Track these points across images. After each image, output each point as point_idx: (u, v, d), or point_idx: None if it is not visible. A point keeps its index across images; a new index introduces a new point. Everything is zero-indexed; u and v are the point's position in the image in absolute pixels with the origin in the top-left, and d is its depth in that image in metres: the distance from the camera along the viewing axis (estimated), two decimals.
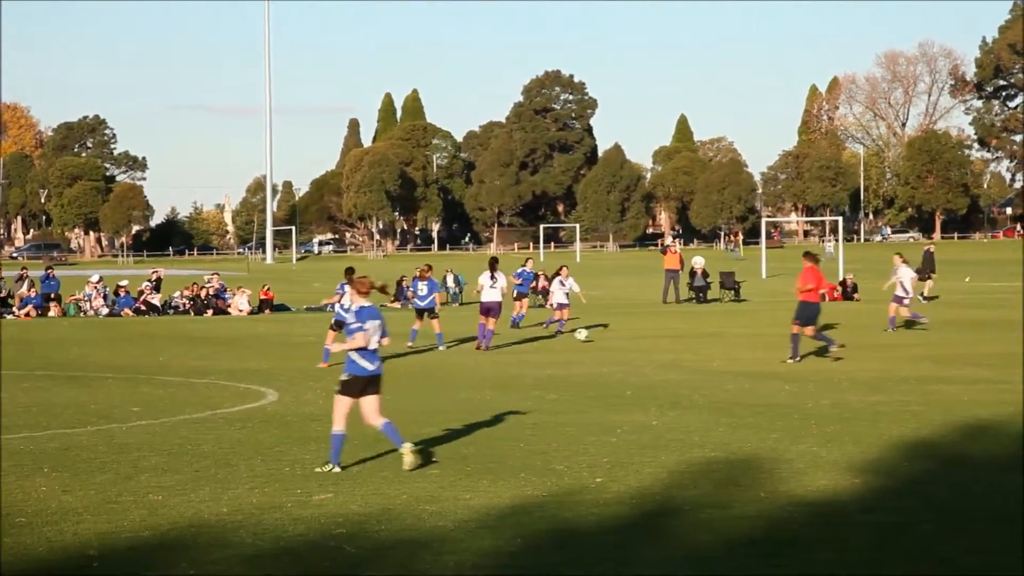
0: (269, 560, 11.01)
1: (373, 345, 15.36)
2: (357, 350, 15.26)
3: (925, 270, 55.18)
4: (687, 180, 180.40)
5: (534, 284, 54.61)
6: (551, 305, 41.26)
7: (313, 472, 15.03)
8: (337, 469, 15.10)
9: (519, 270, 44.39)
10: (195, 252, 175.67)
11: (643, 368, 27.51)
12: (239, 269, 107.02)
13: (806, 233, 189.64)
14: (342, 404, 15.34)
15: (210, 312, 51.99)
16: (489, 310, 32.73)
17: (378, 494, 13.65)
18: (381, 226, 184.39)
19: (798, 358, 28.48)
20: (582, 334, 34.33)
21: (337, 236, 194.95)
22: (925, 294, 53.23)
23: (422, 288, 33.60)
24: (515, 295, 42.75)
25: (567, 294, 38.20)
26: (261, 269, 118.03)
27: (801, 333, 28.84)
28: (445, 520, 12.38)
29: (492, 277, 33.09)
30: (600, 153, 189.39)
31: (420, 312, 33.65)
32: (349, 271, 27.59)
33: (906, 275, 38.37)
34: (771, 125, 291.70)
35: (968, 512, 12.55)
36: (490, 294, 32.88)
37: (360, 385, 15.32)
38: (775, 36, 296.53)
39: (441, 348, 32.75)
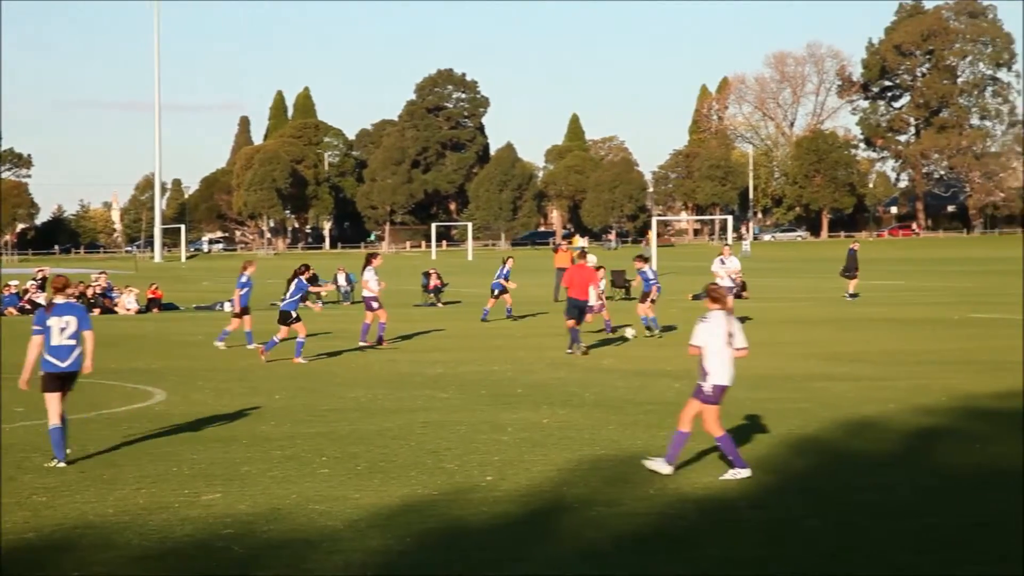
0: (155, 561, 10.89)
1: (60, 342, 15.51)
2: (48, 348, 15.52)
3: (850, 268, 55.73)
4: (579, 179, 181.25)
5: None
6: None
7: (202, 472, 14.88)
8: (62, 464, 15.23)
9: (503, 270, 45.35)
10: (82, 250, 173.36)
11: (534, 366, 27.55)
12: (127, 268, 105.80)
13: (696, 232, 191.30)
14: (49, 400, 15.58)
15: (97, 311, 51.25)
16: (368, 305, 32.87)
17: (267, 494, 13.55)
18: (272, 224, 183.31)
19: (578, 350, 29.87)
20: (629, 332, 34.22)
21: (227, 234, 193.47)
22: (850, 291, 53.73)
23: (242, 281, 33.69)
24: (495, 293, 43.89)
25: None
26: (149, 268, 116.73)
27: (576, 327, 30.51)
28: (334, 519, 12.32)
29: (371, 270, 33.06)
30: (492, 152, 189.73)
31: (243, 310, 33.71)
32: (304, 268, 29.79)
33: (734, 266, 39.22)
34: (662, 125, 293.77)
35: (854, 508, 12.71)
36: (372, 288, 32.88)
37: (56, 381, 15.58)
38: (666, 36, 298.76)
39: (219, 344, 33.03)
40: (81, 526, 12.16)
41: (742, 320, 38.01)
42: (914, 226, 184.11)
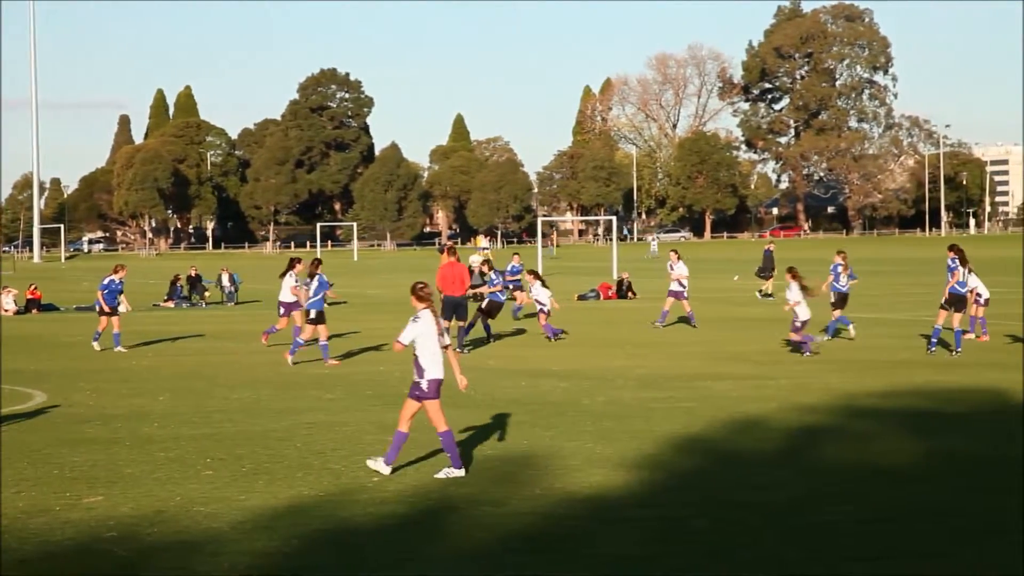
0: (36, 564, 10.73)
1: None
2: None
3: (766, 268, 56.18)
4: (464, 179, 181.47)
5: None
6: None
7: (84, 474, 14.67)
8: None
9: (509, 266, 46.32)
10: None
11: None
12: (5, 268, 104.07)
13: (581, 232, 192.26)
14: None
15: None
16: (287, 308, 32.30)
17: (150, 496, 13.40)
18: (154, 224, 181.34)
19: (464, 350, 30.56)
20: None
21: (108, 234, 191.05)
22: (767, 291, 54.09)
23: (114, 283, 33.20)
24: (511, 288, 44.03)
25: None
26: (28, 268, 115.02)
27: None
28: (220, 521, 12.21)
29: (288, 275, 32.43)
30: (377, 152, 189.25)
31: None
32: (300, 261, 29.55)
33: (682, 271, 39.05)
34: (546, 125, 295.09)
35: (739, 506, 12.83)
36: (285, 294, 32.32)
37: None
38: (550, 37, 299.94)
39: (95, 345, 32.67)
40: None
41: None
42: (806, 228, 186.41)
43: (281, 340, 32.90)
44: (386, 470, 14.68)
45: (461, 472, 14.55)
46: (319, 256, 32.37)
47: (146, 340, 35.68)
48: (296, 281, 31.16)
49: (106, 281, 33.03)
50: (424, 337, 14.76)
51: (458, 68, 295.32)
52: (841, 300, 32.80)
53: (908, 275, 75.73)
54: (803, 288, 29.06)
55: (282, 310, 31.62)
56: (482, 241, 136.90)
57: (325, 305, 29.56)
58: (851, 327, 32.85)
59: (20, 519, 12.35)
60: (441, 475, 14.50)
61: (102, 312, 33.16)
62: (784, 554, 10.95)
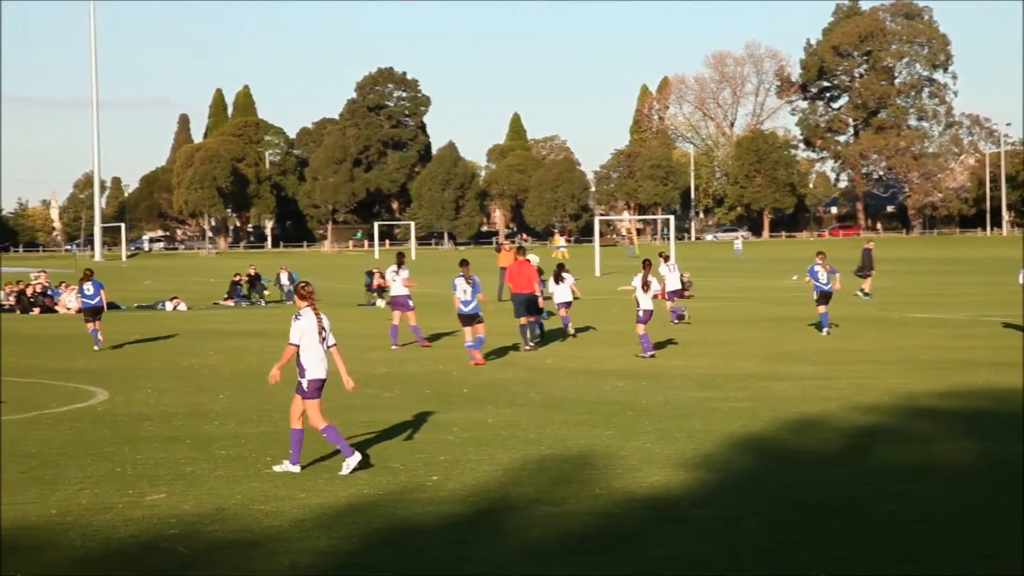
0: (99, 562, 10.83)
1: None
2: None
3: (864, 267, 55.61)
4: (521, 178, 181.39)
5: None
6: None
7: (146, 472, 14.80)
8: None
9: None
10: (20, 249, 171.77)
11: (479, 367, 27.54)
12: (67, 266, 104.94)
13: (639, 231, 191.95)
14: None
15: (37, 310, 50.91)
16: (395, 304, 32.45)
17: (212, 494, 13.50)
18: (213, 223, 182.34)
19: (529, 344, 31.15)
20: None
21: (168, 233, 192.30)
22: (866, 291, 53.62)
23: (88, 288, 34.03)
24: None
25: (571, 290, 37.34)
26: (90, 266, 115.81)
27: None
28: (280, 519, 12.28)
29: (396, 271, 32.66)
30: (434, 151, 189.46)
31: (91, 312, 33.97)
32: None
33: (669, 272, 40.76)
34: (603, 124, 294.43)
35: (796, 506, 12.79)
36: (395, 288, 32.57)
37: None
38: (607, 35, 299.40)
39: (96, 349, 32.92)
40: (23, 527, 12.07)
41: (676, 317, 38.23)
42: (876, 227, 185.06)
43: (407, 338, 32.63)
44: (296, 468, 14.88)
45: (357, 457, 14.76)
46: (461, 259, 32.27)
47: (205, 338, 35.93)
48: (395, 275, 31.85)
49: (85, 288, 34.17)
50: (306, 336, 14.97)
51: (515, 67, 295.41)
52: (823, 297, 35.06)
53: (969, 275, 75.19)
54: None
55: (394, 306, 32.47)
56: (558, 240, 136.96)
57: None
58: (827, 328, 34.80)
59: (84, 516, 12.47)
60: (343, 471, 14.65)
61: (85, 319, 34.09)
62: (837, 554, 10.92)
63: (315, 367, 14.98)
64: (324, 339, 15.09)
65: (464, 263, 29.22)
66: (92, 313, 34.02)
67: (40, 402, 21.76)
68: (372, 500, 13.20)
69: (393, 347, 31.89)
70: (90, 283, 34.24)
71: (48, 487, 13.95)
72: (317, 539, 11.50)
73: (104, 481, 14.32)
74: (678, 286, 41.69)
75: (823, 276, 35.07)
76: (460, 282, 28.63)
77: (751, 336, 35.29)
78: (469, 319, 28.50)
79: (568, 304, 35.97)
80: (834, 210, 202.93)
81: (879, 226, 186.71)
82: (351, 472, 14.63)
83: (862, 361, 27.48)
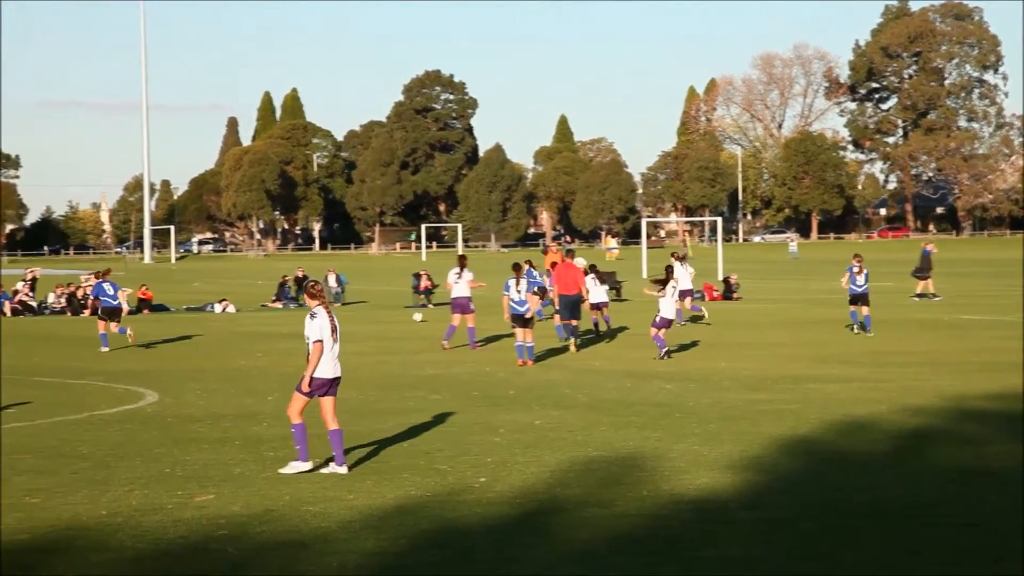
0: (149, 562, 10.89)
1: None
2: None
3: (923, 269, 55.07)
4: (568, 180, 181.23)
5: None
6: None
7: (195, 473, 14.88)
8: None
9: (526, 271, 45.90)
10: (71, 251, 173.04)
11: (526, 367, 27.57)
12: (117, 269, 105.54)
13: (688, 233, 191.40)
14: None
15: (87, 312, 51.23)
16: (456, 306, 32.57)
17: (260, 495, 13.56)
18: (261, 225, 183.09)
19: (573, 344, 31.29)
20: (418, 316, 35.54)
21: (216, 236, 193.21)
22: (927, 292, 53.23)
23: (108, 288, 34.24)
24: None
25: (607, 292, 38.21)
26: (139, 269, 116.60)
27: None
28: (328, 521, 12.33)
29: (459, 273, 32.83)
30: (481, 153, 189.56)
31: (109, 312, 34.12)
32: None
33: (682, 274, 40.99)
34: (650, 126, 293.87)
35: (846, 508, 12.74)
36: (457, 290, 32.69)
37: None
38: (654, 37, 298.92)
39: (104, 349, 33.28)
40: (74, 527, 12.15)
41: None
42: (927, 229, 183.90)
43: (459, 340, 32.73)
44: (307, 465, 15.01)
45: (308, 465, 14.99)
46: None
47: (254, 340, 36.09)
48: (458, 277, 32.02)
49: (105, 287, 34.26)
50: (322, 333, 15.13)
51: (562, 69, 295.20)
52: (857, 299, 36.10)
53: (1019, 276, 74.59)
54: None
55: (454, 308, 32.57)
56: (611, 241, 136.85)
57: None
58: (858, 327, 35.78)
59: (134, 517, 12.55)
60: (287, 469, 14.99)
61: (100, 317, 34.40)
62: (887, 556, 10.87)
63: (322, 365, 15.13)
64: (336, 338, 15.24)
65: (518, 267, 29.43)
66: (111, 314, 34.00)
67: (91, 403, 21.92)
68: (420, 501, 13.23)
69: (444, 345, 31.96)
70: (109, 283, 34.33)
71: (99, 488, 14.05)
72: (365, 540, 11.54)
73: (154, 482, 14.40)
74: (689, 286, 42.16)
75: (860, 279, 35.98)
76: (513, 283, 28.81)
77: (799, 338, 35.18)
78: (522, 320, 28.62)
79: (605, 305, 36.60)
80: (883, 211, 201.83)
81: (932, 228, 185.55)
82: (292, 472, 14.85)
83: (912, 363, 27.33)
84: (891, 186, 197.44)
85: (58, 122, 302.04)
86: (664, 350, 29.03)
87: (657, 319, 29.48)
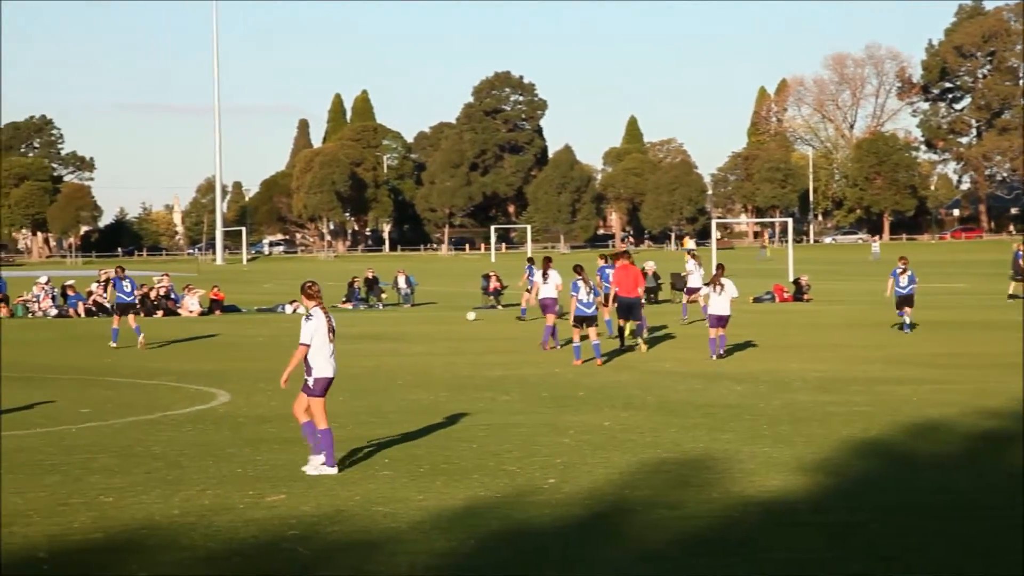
0: (221, 561, 10.98)
1: None
2: None
3: (1019, 271, 54.13)
4: (637, 181, 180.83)
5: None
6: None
7: (266, 473, 14.99)
8: None
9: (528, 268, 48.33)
10: (144, 253, 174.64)
11: (594, 368, 27.56)
12: (189, 270, 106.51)
13: (756, 234, 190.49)
14: None
15: (160, 313, 51.73)
16: (545, 307, 33.01)
17: (330, 495, 13.63)
18: (332, 227, 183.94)
19: (639, 342, 31.66)
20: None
21: (287, 237, 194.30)
22: (1021, 293, 52.61)
23: (125, 285, 35.22)
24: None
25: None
26: (211, 270, 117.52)
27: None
28: (398, 521, 12.37)
29: (545, 275, 33.27)
30: (550, 154, 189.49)
31: (123, 308, 35.22)
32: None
33: (695, 271, 43.44)
34: (720, 127, 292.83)
35: (917, 511, 12.65)
36: (545, 291, 33.20)
37: None
38: (724, 38, 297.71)
39: (140, 339, 34.57)
40: (147, 527, 12.27)
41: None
42: (1009, 230, 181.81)
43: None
44: (320, 459, 15.09)
45: (334, 470, 14.98)
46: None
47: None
48: (545, 279, 32.35)
49: (124, 284, 35.36)
50: (316, 335, 15.20)
51: (631, 70, 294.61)
52: (902, 300, 37.28)
53: None
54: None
55: (544, 308, 33.21)
56: (689, 242, 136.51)
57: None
58: (908, 328, 36.83)
59: (205, 516, 12.65)
60: (311, 471, 14.97)
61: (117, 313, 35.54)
62: (959, 560, 10.78)
63: (323, 366, 15.26)
64: (333, 339, 15.36)
65: (580, 268, 29.58)
66: (124, 309, 35.13)
67: (164, 403, 22.13)
68: (489, 502, 13.26)
69: (548, 346, 32.40)
70: (128, 280, 35.49)
71: (171, 487, 14.18)
72: (435, 541, 11.58)
73: (225, 482, 14.52)
74: (699, 284, 42.63)
75: (904, 280, 37.24)
76: (581, 285, 28.91)
77: (871, 339, 34.95)
78: (588, 320, 28.78)
79: (696, 290, 38.94)
80: (956, 212, 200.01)
81: (1012, 228, 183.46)
82: (316, 473, 14.91)
83: (985, 365, 27.08)
84: (964, 187, 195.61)
85: (132, 124, 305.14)
86: (716, 352, 29.32)
87: (711, 318, 29.75)
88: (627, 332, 32.11)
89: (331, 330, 15.35)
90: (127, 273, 35.82)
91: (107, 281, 54.83)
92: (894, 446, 16.77)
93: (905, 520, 12.26)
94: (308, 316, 15.32)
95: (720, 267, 30.72)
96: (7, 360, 31.38)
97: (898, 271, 37.34)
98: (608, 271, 34.12)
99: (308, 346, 15.16)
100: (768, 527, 12.05)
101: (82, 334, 41.75)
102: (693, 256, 45.24)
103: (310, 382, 15.23)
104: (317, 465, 15.07)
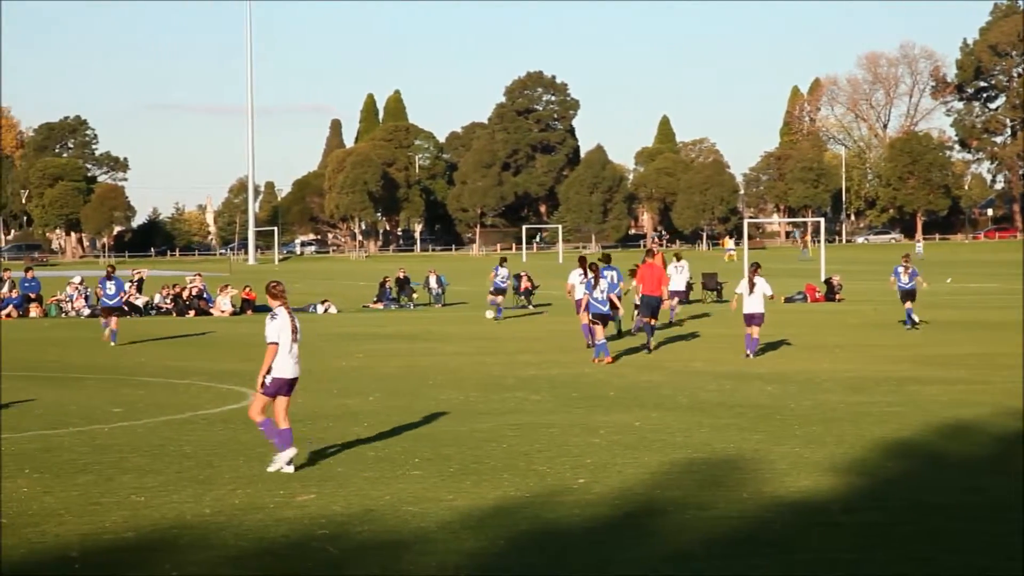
0: (252, 560, 11.01)
1: None
2: None
3: None
4: (669, 181, 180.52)
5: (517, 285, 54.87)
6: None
7: (297, 473, 15.02)
8: None
9: (496, 268, 49.20)
10: (177, 253, 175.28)
11: (625, 369, 27.54)
12: (221, 270, 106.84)
13: (788, 234, 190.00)
14: None
15: (192, 313, 51.90)
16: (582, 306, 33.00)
17: (360, 495, 13.65)
18: (363, 227, 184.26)
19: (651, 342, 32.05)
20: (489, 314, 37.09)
21: (319, 237, 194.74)
22: None
23: (110, 287, 36.03)
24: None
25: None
26: (243, 270, 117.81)
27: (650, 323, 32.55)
28: (428, 521, 12.38)
29: (584, 274, 33.09)
30: (582, 154, 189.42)
31: (107, 311, 36.18)
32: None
33: (676, 275, 43.91)
34: (753, 126, 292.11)
35: (948, 512, 12.60)
36: (581, 291, 32.96)
37: None
38: (757, 37, 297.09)
39: (112, 345, 35.07)
40: (178, 526, 12.31)
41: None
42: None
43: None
44: (291, 452, 15.18)
45: (292, 451, 15.12)
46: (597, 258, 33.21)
47: (355, 341, 36.35)
48: (583, 278, 32.31)
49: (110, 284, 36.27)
50: (281, 334, 15.30)
51: (664, 69, 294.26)
52: (905, 295, 39.32)
53: None
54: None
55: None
56: (728, 243, 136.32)
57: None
58: (910, 323, 38.43)
59: (236, 516, 12.69)
60: (272, 467, 15.10)
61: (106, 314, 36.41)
62: (989, 561, 10.73)
63: (280, 366, 15.32)
64: (297, 339, 15.42)
65: (595, 266, 30.21)
66: (108, 312, 36.20)
67: (195, 403, 22.20)
68: (519, 502, 13.26)
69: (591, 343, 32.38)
70: (113, 282, 36.24)
71: (203, 487, 14.22)
72: (464, 541, 11.58)
73: (256, 481, 14.55)
74: (682, 288, 44.26)
75: (904, 277, 39.57)
76: (596, 283, 29.39)
77: (902, 339, 34.84)
78: (603, 318, 29.23)
79: (680, 293, 41.57)
80: (990, 212, 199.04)
81: None
82: (279, 466, 15.04)
83: (1017, 365, 26.93)
84: (998, 186, 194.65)
85: (165, 125, 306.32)
86: (750, 350, 29.63)
87: (744, 317, 30.09)
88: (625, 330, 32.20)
89: (295, 330, 15.42)
90: (115, 274, 36.87)
91: (139, 280, 55.18)
92: (925, 446, 16.71)
93: (936, 521, 12.21)
94: (273, 316, 15.47)
95: (755, 266, 30.69)
96: (40, 360, 31.56)
97: (900, 269, 39.68)
98: (606, 272, 33.53)
99: (277, 344, 15.27)
100: (799, 527, 12.02)
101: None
102: (677, 258, 46.41)
103: (266, 381, 15.35)
104: (280, 462, 15.16)
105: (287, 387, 15.46)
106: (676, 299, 42.81)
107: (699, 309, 50.72)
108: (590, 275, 29.83)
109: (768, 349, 31.57)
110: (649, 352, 31.32)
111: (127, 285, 53.54)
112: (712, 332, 38.22)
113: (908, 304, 39.03)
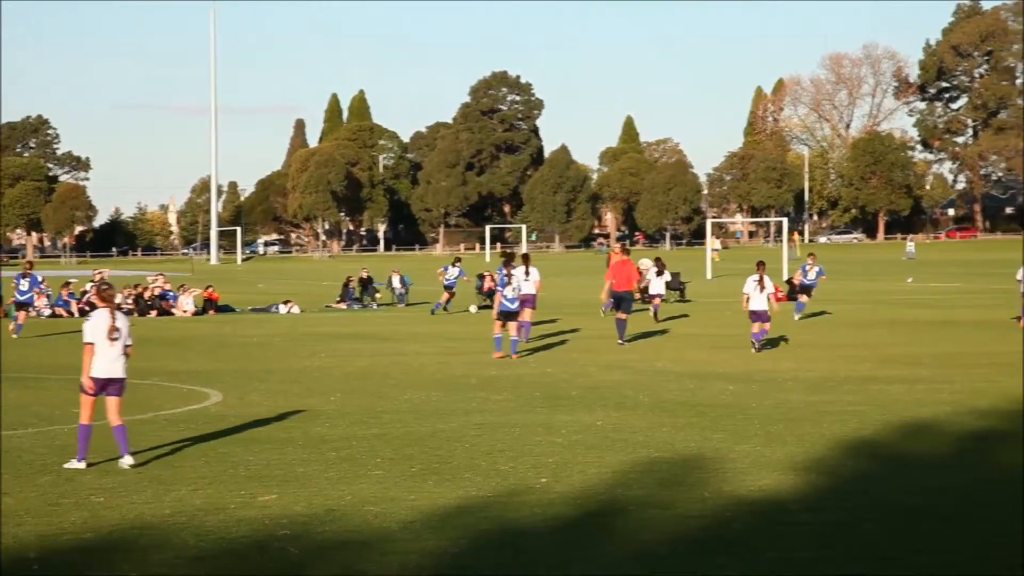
0: (212, 561, 10.97)
1: None
2: None
3: None
4: (633, 181, 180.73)
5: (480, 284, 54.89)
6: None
7: (258, 473, 14.97)
8: None
9: (446, 269, 51.33)
10: (139, 253, 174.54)
11: (588, 368, 27.56)
12: (183, 270, 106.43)
13: (751, 234, 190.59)
14: None
15: (154, 313, 51.67)
16: (524, 302, 32.92)
17: (322, 495, 13.62)
18: (327, 227, 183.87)
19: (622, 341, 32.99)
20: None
21: (282, 237, 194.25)
22: None
23: (23, 284, 38.82)
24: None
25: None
26: (206, 270, 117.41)
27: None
28: (390, 521, 12.36)
29: (527, 272, 33.25)
30: (546, 154, 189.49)
31: (19, 305, 39.22)
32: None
33: (656, 277, 45.70)
34: (717, 127, 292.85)
35: (909, 511, 12.65)
36: (524, 287, 33.16)
37: None
38: (721, 37, 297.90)
39: (15, 337, 37.43)
40: (139, 526, 12.26)
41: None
42: (1006, 230, 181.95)
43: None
44: (82, 465, 15.37)
45: (82, 465, 15.34)
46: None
47: (318, 341, 36.27)
48: (527, 276, 32.81)
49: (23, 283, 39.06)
50: (96, 335, 15.54)
51: (628, 70, 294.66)
52: (805, 289, 43.30)
53: None
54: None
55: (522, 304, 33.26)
56: (715, 243, 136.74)
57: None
58: (798, 316, 41.84)
59: (197, 516, 12.64)
60: (68, 464, 15.43)
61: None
62: (955, 559, 10.78)
63: (97, 366, 15.56)
64: (116, 339, 15.59)
65: (509, 262, 31.21)
66: (20, 307, 39.11)
67: (156, 403, 22.09)
68: (481, 502, 13.25)
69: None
70: (28, 280, 39.14)
71: (163, 487, 14.16)
72: (426, 541, 11.57)
73: (217, 481, 14.50)
74: (661, 291, 45.24)
75: (812, 274, 43.05)
76: (509, 280, 30.69)
77: (864, 339, 34.97)
78: (511, 316, 30.14)
79: (660, 296, 43.36)
80: (951, 212, 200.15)
81: (988, 227, 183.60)
82: (70, 467, 15.29)
83: (978, 364, 27.12)
84: (960, 186, 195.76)
85: (128, 124, 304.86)
86: (757, 344, 30.78)
87: (750, 314, 31.10)
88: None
89: (113, 330, 15.58)
90: (32, 272, 39.67)
91: (100, 281, 54.89)
92: (886, 446, 16.78)
93: (897, 520, 12.26)
94: (89, 317, 15.80)
95: (760, 264, 31.18)
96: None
97: (807, 265, 43.41)
98: (503, 271, 33.31)
99: (92, 344, 15.49)
100: (760, 526, 12.05)
101: (76, 334, 41.65)
102: (656, 262, 47.36)
103: (84, 382, 15.58)
104: (127, 463, 15.38)
105: (109, 387, 15.68)
106: (658, 299, 44.00)
107: (664, 308, 50.79)
108: (504, 272, 30.76)
109: (729, 349, 31.66)
110: (622, 344, 32.66)
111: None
112: (679, 332, 38.30)
113: (803, 297, 42.86)
